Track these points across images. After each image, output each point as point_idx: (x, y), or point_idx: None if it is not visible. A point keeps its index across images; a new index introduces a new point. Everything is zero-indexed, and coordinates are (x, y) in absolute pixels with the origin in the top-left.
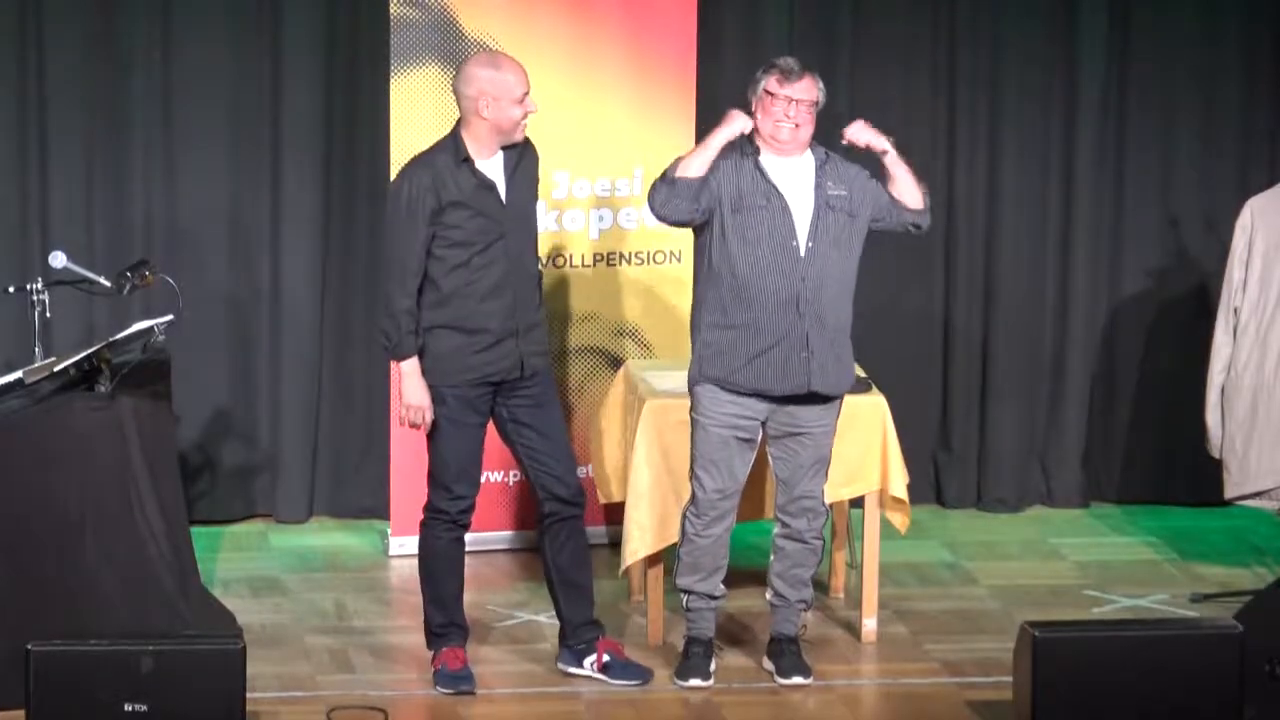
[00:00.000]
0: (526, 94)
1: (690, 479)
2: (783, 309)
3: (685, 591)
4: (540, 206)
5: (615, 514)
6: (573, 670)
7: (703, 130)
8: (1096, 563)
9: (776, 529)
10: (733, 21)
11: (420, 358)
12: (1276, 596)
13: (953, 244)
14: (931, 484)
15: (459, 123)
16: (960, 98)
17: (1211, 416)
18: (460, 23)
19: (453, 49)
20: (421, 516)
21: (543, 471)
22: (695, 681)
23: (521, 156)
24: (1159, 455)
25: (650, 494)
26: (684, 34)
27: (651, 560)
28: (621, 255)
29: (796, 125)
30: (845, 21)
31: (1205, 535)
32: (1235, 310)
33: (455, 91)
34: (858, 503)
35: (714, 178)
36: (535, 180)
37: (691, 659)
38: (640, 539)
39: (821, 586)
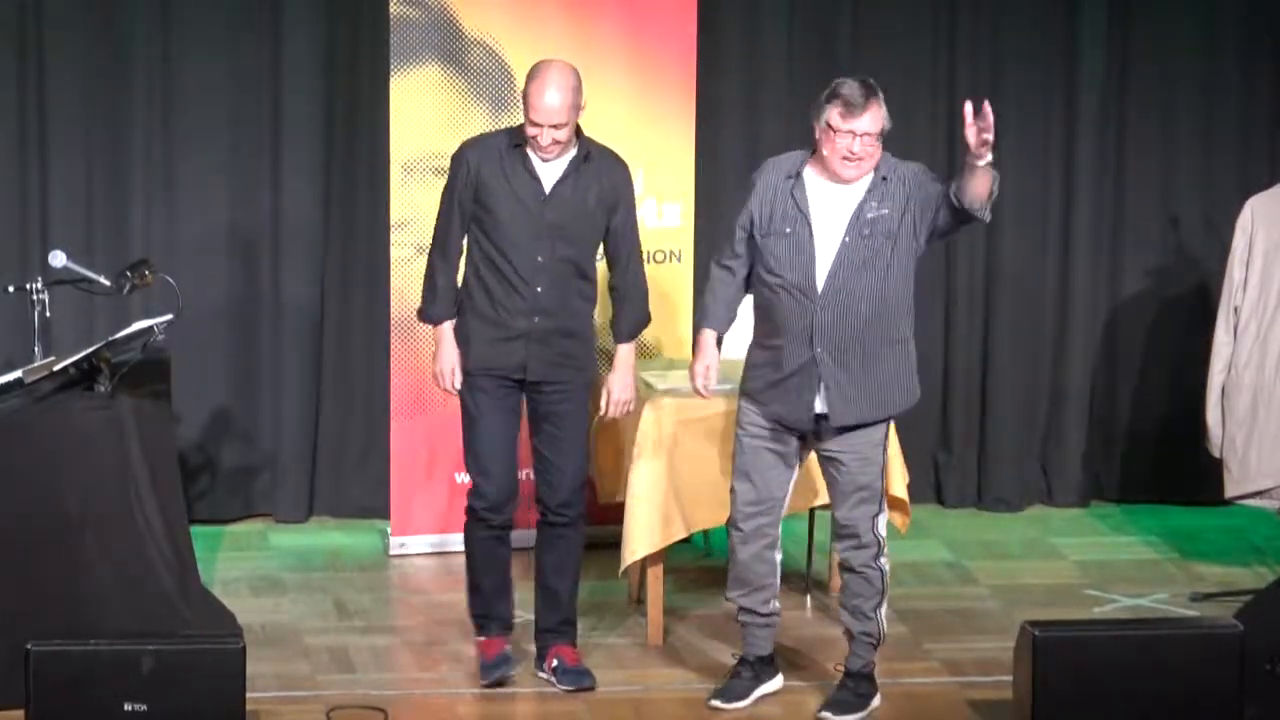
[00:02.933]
0: (539, 125)
1: (730, 492)
2: (799, 339)
3: (736, 606)
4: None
5: (615, 514)
6: (539, 673)
7: (703, 130)
8: (1096, 562)
9: (837, 557)
10: (733, 22)
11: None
12: (1276, 596)
13: (953, 244)
14: (931, 484)
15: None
16: (960, 97)
17: (1211, 416)
18: (460, 23)
19: (453, 49)
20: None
21: (540, 474)
22: (716, 703)
23: (582, 165)
24: (1159, 455)
25: (650, 494)
26: (684, 34)
27: (651, 560)
28: None
29: (867, 157)
30: (845, 22)
31: (1205, 535)
32: (1235, 310)
33: None
34: None
35: (753, 198)
36: (602, 196)
37: (732, 679)
38: (640, 539)
39: (821, 586)
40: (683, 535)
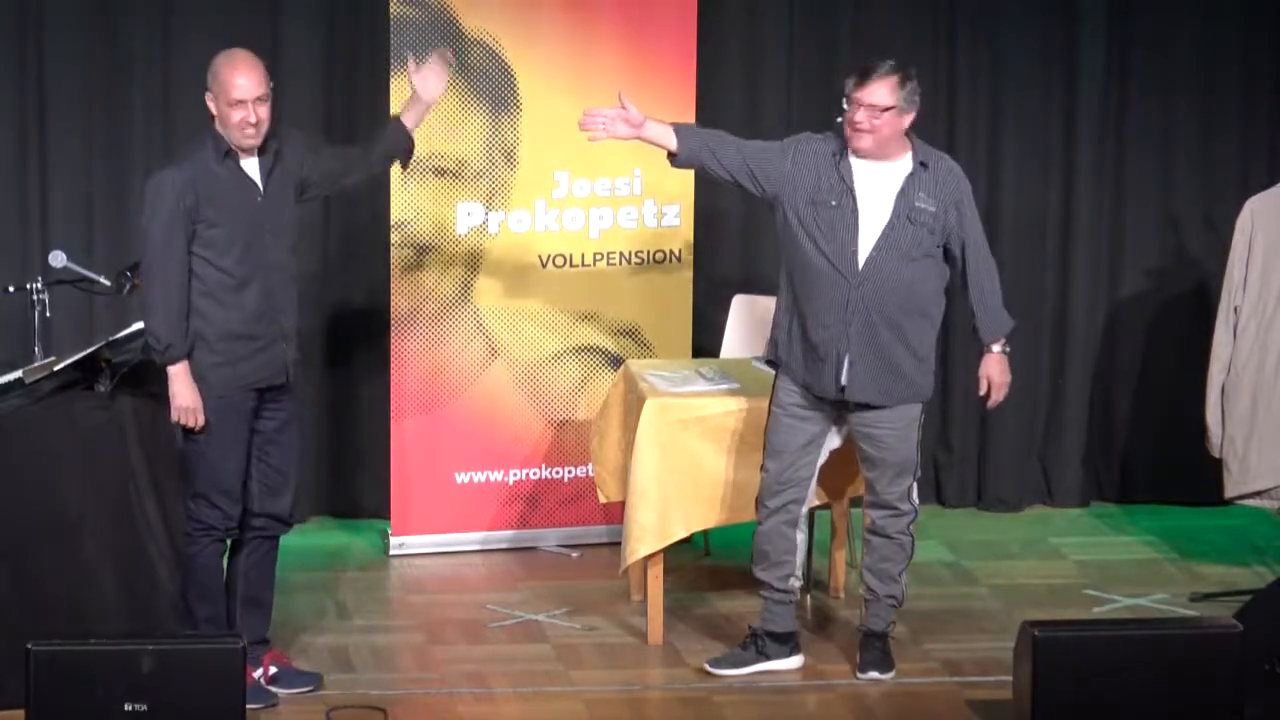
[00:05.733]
0: (245, 101)
1: (761, 470)
2: (834, 311)
3: (757, 580)
4: (540, 206)
5: (615, 514)
6: None
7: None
8: (1096, 562)
9: (865, 522)
10: (733, 22)
11: (191, 365)
12: (1276, 596)
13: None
14: (931, 484)
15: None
16: (960, 97)
17: (1211, 416)
18: (460, 23)
19: (453, 49)
20: (191, 536)
21: (269, 488)
22: (708, 667)
23: (277, 159)
24: (1159, 455)
25: (650, 494)
26: (684, 34)
27: (651, 560)
28: (621, 255)
29: (871, 130)
30: (845, 23)
31: (1205, 535)
32: (1235, 310)
33: None
34: (857, 502)
35: (797, 164)
36: (296, 181)
37: (736, 649)
38: (640, 539)
39: (821, 586)
40: (683, 535)
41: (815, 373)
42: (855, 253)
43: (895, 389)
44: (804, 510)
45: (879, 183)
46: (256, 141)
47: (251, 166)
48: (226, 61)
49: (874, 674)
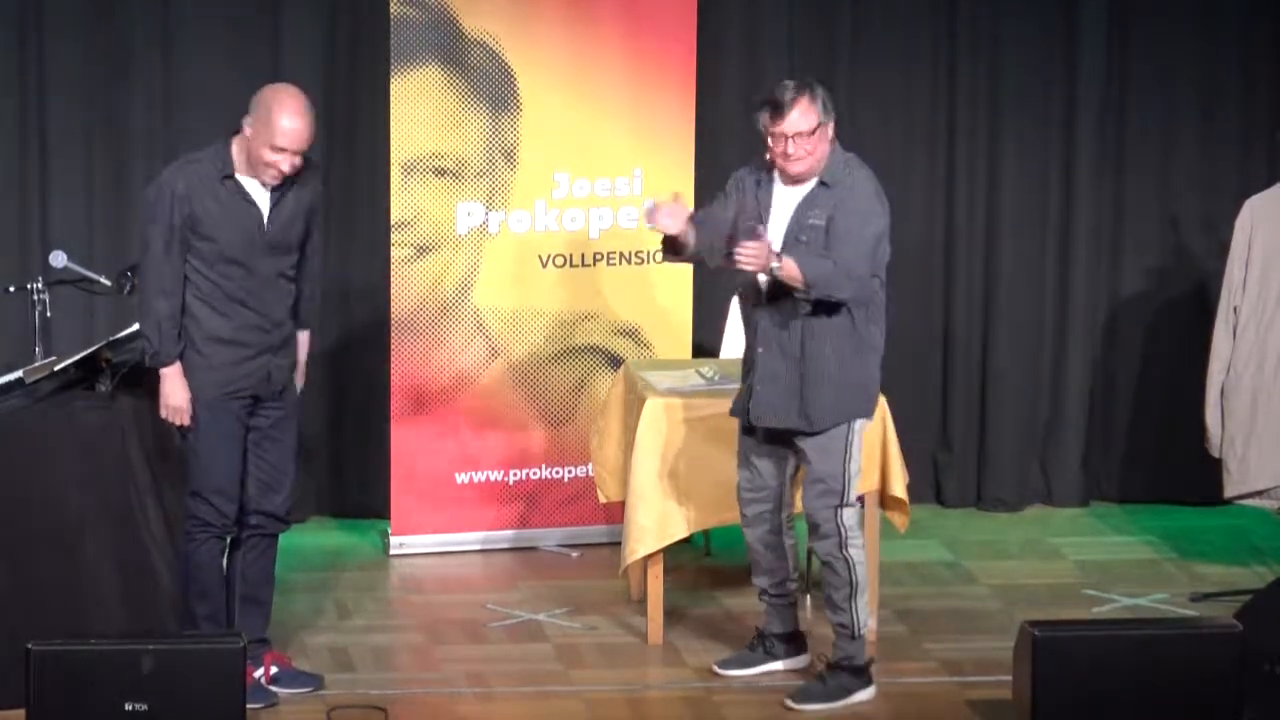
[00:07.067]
0: (284, 151)
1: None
2: (750, 338)
3: (756, 587)
4: (540, 206)
5: (615, 514)
6: None
7: (703, 130)
8: (1096, 562)
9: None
10: (733, 22)
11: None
12: (1276, 596)
13: (953, 244)
14: (931, 484)
15: (236, 133)
16: (960, 98)
17: (1211, 416)
18: (460, 23)
19: (453, 49)
20: (189, 534)
21: (265, 485)
22: (716, 668)
23: (291, 186)
24: (1159, 455)
25: (650, 494)
26: (684, 34)
27: (651, 560)
28: (621, 255)
29: (809, 154)
30: (845, 21)
31: (1205, 535)
32: (1235, 310)
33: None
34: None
35: (737, 203)
36: (303, 202)
37: (743, 650)
38: (640, 539)
39: (821, 586)
40: (683, 535)
41: (742, 401)
42: (760, 277)
43: (813, 412)
44: (784, 516)
45: (787, 204)
46: (276, 182)
47: (255, 185)
48: (279, 101)
49: (789, 701)
